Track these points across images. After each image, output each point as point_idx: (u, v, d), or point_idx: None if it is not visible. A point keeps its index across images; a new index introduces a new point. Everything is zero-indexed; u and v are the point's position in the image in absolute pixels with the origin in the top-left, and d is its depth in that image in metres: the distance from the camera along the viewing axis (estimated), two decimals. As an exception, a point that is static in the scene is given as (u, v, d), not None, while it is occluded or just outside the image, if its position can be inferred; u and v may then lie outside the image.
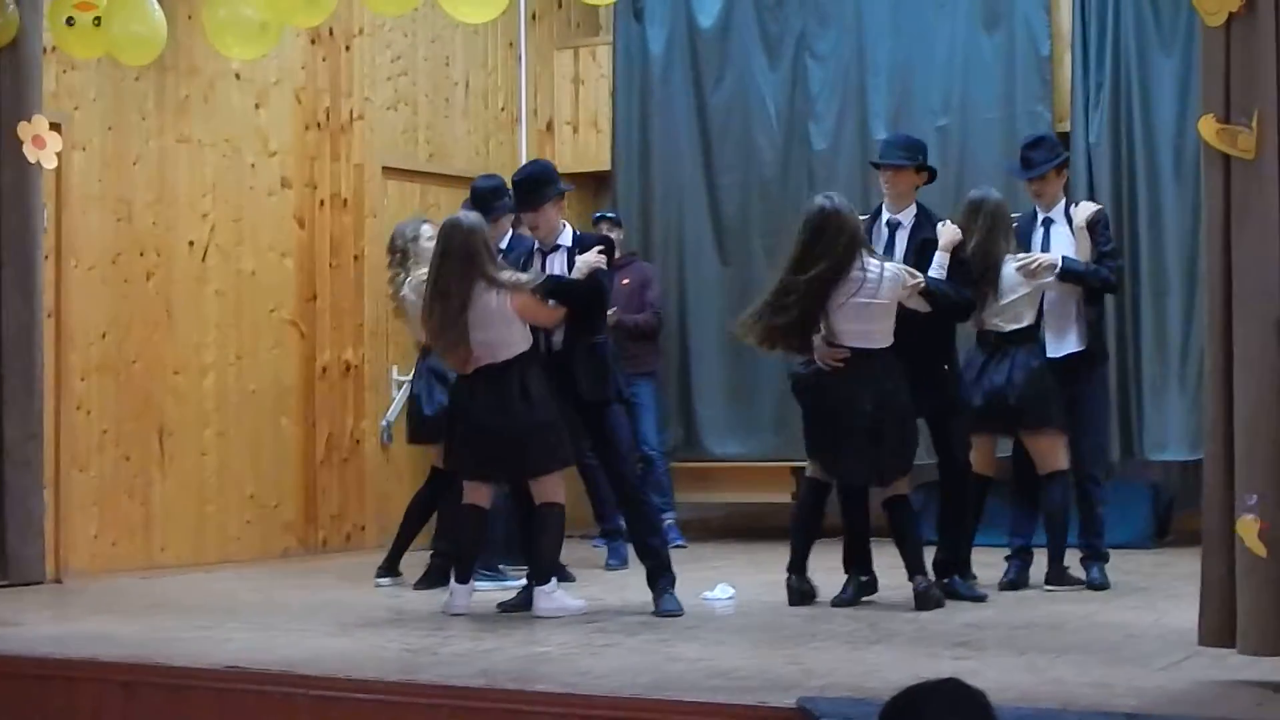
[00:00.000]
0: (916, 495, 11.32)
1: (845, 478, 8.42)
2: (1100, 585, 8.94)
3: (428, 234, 9.53)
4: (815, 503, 8.59)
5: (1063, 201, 9.30)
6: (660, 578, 8.29)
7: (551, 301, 8.28)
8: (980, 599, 8.51)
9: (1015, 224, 9.23)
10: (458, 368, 8.35)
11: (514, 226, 9.49)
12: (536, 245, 8.55)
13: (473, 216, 8.41)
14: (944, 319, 8.63)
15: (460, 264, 8.17)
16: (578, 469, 9.61)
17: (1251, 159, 5.78)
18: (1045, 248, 9.13)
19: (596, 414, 8.40)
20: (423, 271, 9.03)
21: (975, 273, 8.84)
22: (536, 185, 8.50)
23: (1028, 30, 11.56)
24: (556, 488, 8.33)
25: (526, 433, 8.16)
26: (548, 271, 8.42)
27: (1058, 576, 8.91)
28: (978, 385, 8.97)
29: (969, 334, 9.24)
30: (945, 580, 8.54)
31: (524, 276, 8.25)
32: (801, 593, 8.48)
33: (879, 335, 8.21)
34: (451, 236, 8.24)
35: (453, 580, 8.45)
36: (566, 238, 8.55)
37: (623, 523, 10.40)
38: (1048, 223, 9.23)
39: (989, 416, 8.98)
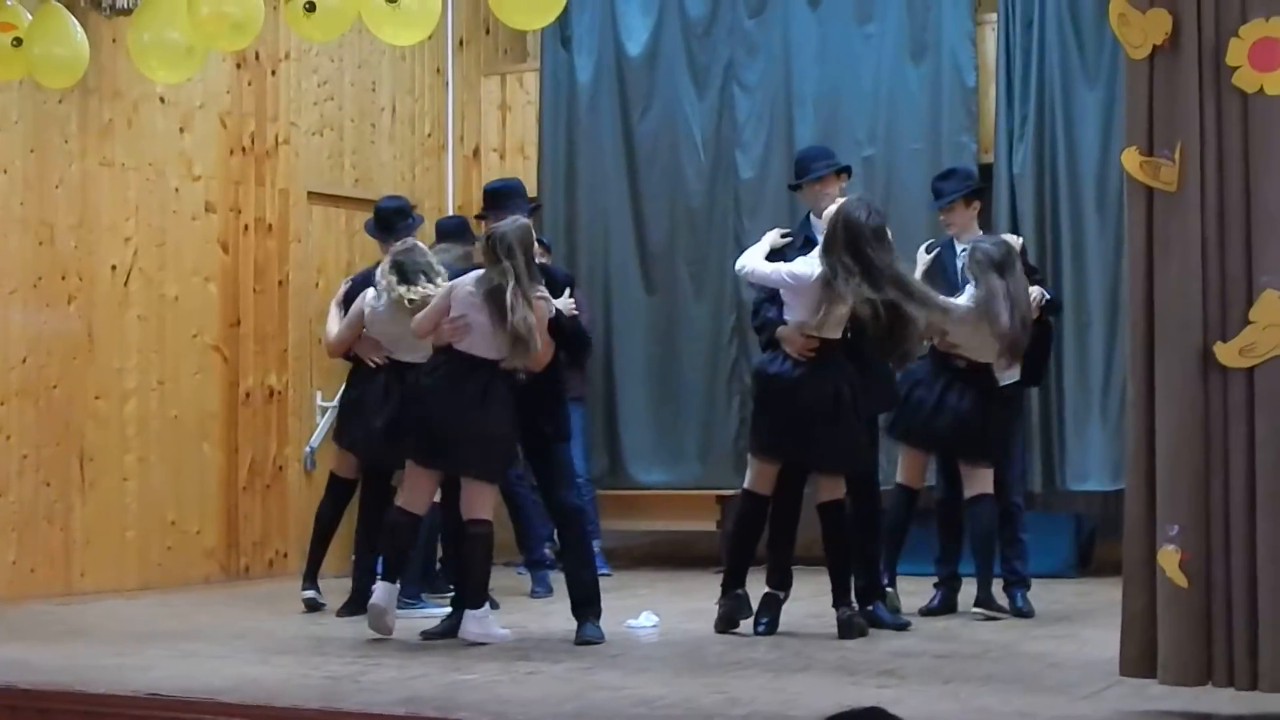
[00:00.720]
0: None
1: (824, 465, 8.36)
2: (1025, 612, 8.98)
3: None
4: (757, 517, 8.51)
5: (979, 233, 9.38)
6: (587, 609, 8.27)
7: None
8: (903, 627, 8.52)
9: (935, 252, 9.33)
10: (534, 367, 8.23)
11: None
12: None
13: (519, 223, 8.28)
14: None
15: (528, 273, 8.14)
16: (505, 497, 9.60)
17: (1174, 191, 5.83)
18: (963, 275, 9.19)
19: (550, 448, 8.41)
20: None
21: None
22: (510, 194, 8.61)
23: (953, 62, 11.62)
24: (485, 504, 8.29)
25: (468, 432, 8.11)
26: None
27: (986, 600, 8.95)
28: (939, 407, 9.01)
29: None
30: (868, 608, 8.55)
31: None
32: (729, 620, 8.45)
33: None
34: (513, 249, 8.11)
35: (379, 579, 8.37)
36: None
37: (547, 552, 10.41)
38: (964, 251, 9.29)
39: (949, 439, 9.04)
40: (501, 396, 8.19)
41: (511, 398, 8.22)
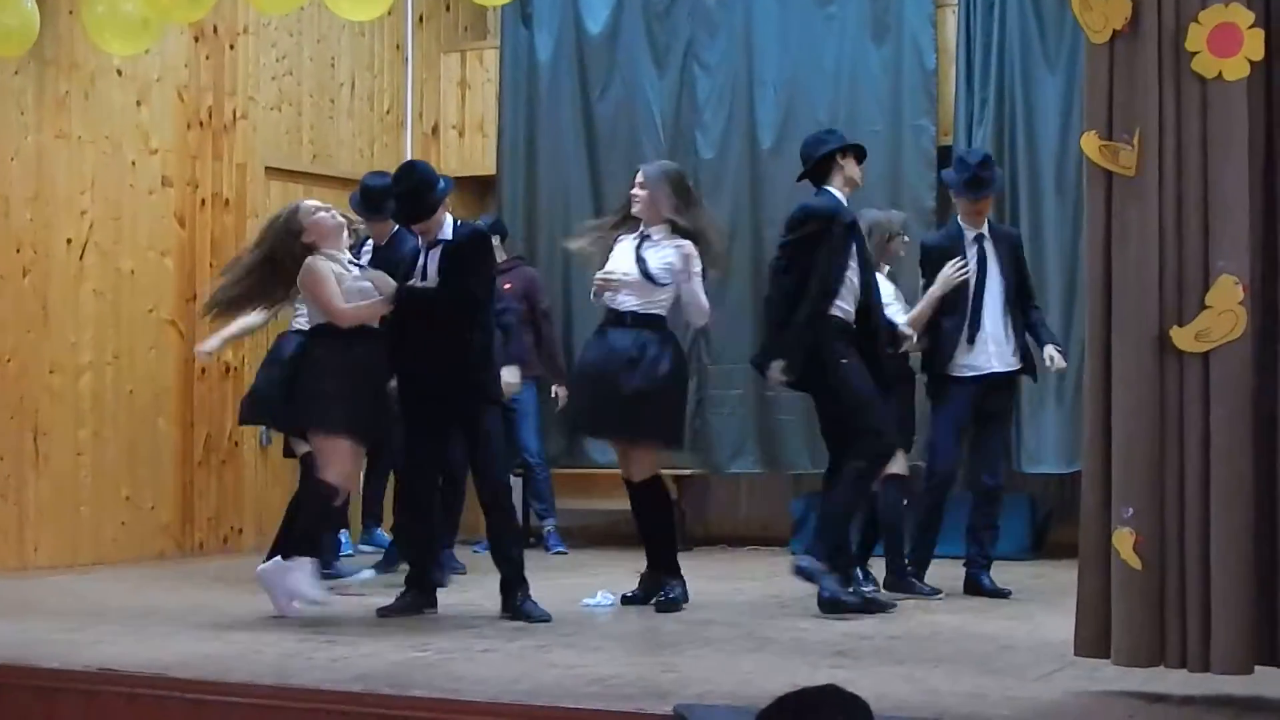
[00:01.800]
0: (798, 503, 11.44)
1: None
2: (1004, 592, 9.09)
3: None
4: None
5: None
6: (516, 585, 8.25)
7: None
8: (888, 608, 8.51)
9: (937, 243, 9.39)
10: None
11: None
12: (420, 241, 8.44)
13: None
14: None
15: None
16: (446, 479, 9.26)
17: (1133, 176, 5.83)
18: (982, 263, 9.20)
19: (470, 416, 8.35)
20: None
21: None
22: (421, 195, 8.31)
23: (914, 44, 11.63)
24: (329, 463, 8.20)
25: (292, 392, 8.35)
26: (430, 265, 8.33)
27: (893, 584, 9.05)
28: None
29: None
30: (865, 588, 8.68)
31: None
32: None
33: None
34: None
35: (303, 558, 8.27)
36: (447, 231, 8.41)
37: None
38: (980, 239, 9.28)
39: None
40: (316, 356, 8.26)
41: (331, 354, 8.20)
